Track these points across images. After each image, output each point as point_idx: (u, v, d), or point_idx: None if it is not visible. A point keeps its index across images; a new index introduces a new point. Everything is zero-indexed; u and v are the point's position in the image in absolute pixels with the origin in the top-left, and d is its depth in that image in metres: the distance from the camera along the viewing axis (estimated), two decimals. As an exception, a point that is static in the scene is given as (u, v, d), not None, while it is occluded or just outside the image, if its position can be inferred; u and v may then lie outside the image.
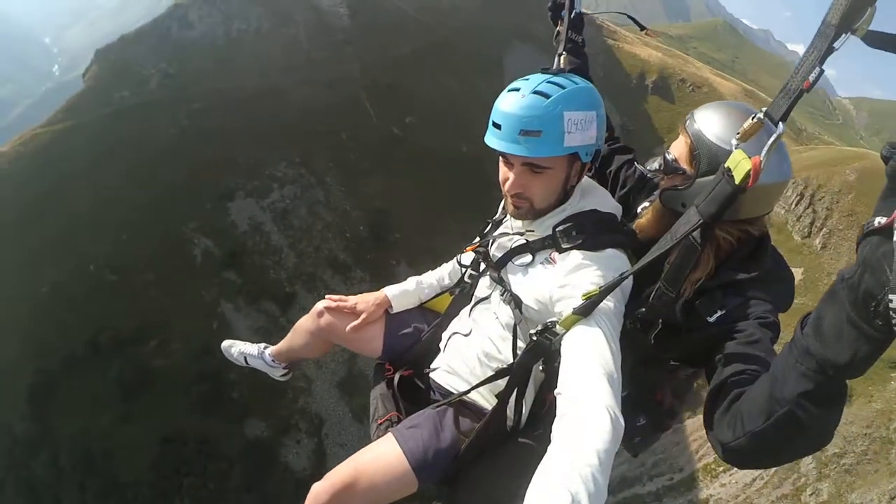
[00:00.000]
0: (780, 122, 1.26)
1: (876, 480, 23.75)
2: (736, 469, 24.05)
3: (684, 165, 1.76)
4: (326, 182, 47.18)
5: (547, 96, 1.66)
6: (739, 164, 1.29)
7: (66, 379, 35.75)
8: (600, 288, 1.49)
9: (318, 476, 1.87)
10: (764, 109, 1.32)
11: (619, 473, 29.64)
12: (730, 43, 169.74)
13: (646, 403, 1.89)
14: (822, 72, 1.17)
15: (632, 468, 29.98)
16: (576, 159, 1.75)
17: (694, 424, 29.27)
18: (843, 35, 1.12)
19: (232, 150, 45.25)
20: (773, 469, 25.43)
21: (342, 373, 38.37)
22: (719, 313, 1.61)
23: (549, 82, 1.69)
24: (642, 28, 2.73)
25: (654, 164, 1.90)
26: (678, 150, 1.80)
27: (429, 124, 51.06)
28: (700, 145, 1.70)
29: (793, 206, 34.09)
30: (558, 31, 2.52)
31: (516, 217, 1.91)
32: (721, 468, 28.20)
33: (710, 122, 1.71)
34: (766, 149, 1.24)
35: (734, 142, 1.36)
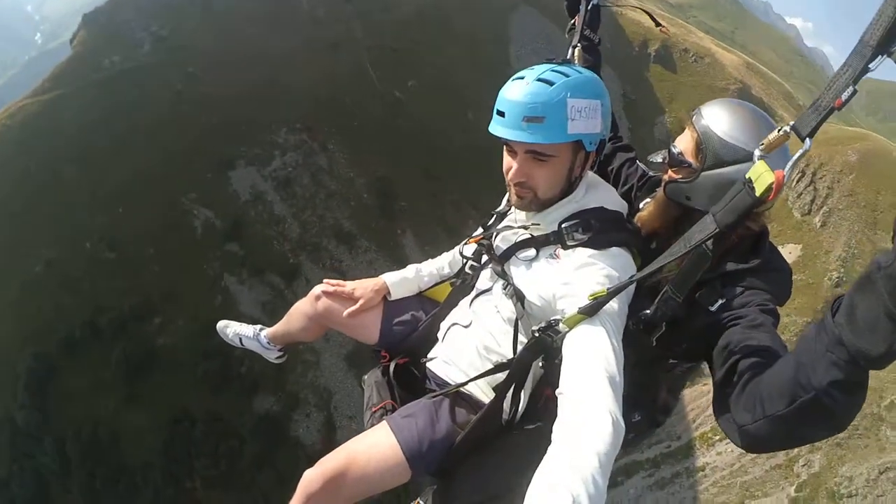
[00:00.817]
0: (808, 139, 1.22)
1: (866, 455, 25.15)
2: None
3: (690, 159, 1.77)
4: (329, 149, 45.00)
5: (551, 83, 1.65)
6: (761, 177, 1.27)
7: (66, 363, 34.10)
8: (608, 289, 1.47)
9: (329, 450, 1.82)
10: (791, 123, 1.26)
11: (616, 440, 30.56)
12: (730, 13, 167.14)
13: (642, 400, 1.84)
14: (854, 91, 1.13)
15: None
16: (580, 148, 1.73)
17: (692, 394, 30.20)
18: (880, 56, 1.09)
19: (230, 115, 42.86)
20: None
21: (350, 346, 36.64)
22: (720, 302, 1.61)
23: (553, 70, 1.68)
24: (658, 24, 2.74)
25: (659, 157, 1.88)
26: (684, 144, 1.81)
27: (432, 89, 49.06)
28: (707, 140, 1.72)
29: (794, 183, 34.71)
30: (573, 24, 2.42)
31: (520, 207, 1.90)
32: (717, 437, 28.93)
33: (718, 119, 1.72)
34: (790, 164, 1.25)
35: (757, 152, 1.33)
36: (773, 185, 1.23)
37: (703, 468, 28.85)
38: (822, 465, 25.84)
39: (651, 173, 2.15)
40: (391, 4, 52.84)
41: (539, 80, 1.66)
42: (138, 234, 37.99)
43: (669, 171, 1.84)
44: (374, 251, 40.43)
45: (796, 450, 25.81)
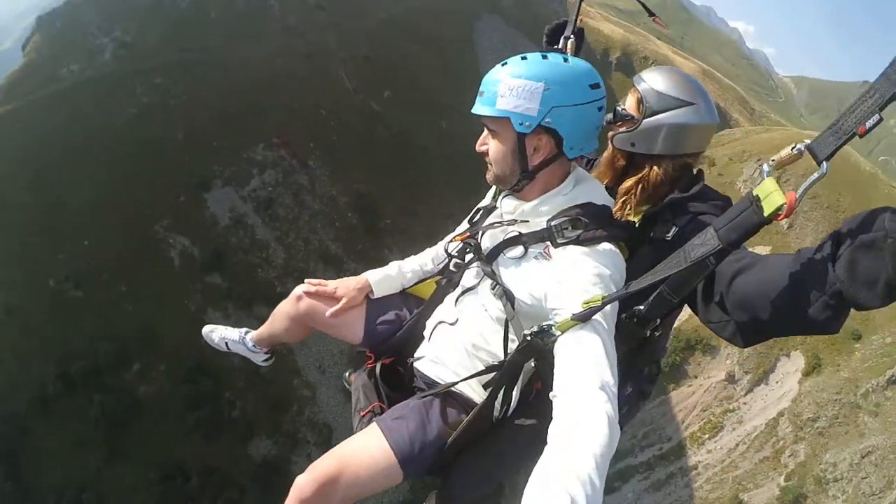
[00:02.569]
0: (825, 162, 1.15)
1: (847, 441, 26.40)
2: (720, 435, 30.11)
3: (633, 112, 1.93)
4: (309, 165, 42.59)
5: (505, 64, 1.70)
6: (770, 196, 1.20)
7: (38, 423, 30.33)
8: (602, 297, 1.44)
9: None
10: (807, 142, 1.20)
11: (611, 446, 31.67)
12: (679, 19, 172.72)
13: (631, 374, 1.89)
14: (880, 119, 1.05)
15: (623, 440, 31.28)
16: (536, 132, 1.70)
17: (679, 396, 31.07)
18: None
19: (202, 130, 39.33)
20: (754, 434, 29.13)
21: (347, 377, 34.92)
22: (674, 229, 1.70)
23: (523, 56, 1.70)
24: (651, 14, 2.72)
25: (607, 116, 1.95)
26: (628, 102, 1.97)
27: (406, 100, 48.24)
28: (647, 95, 1.89)
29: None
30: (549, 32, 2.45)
31: (490, 181, 1.90)
32: (706, 435, 30.19)
33: (654, 79, 1.91)
34: (803, 187, 1.17)
35: (766, 168, 1.30)
36: (786, 207, 1.15)
37: (695, 467, 29.74)
38: (808, 454, 26.97)
39: (592, 159, 2.26)
40: (363, 13, 50.48)
41: (506, 61, 1.70)
42: (107, 268, 34.19)
43: (615, 127, 1.97)
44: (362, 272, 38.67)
45: (782, 441, 28.08)
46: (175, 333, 32.84)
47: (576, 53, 2.29)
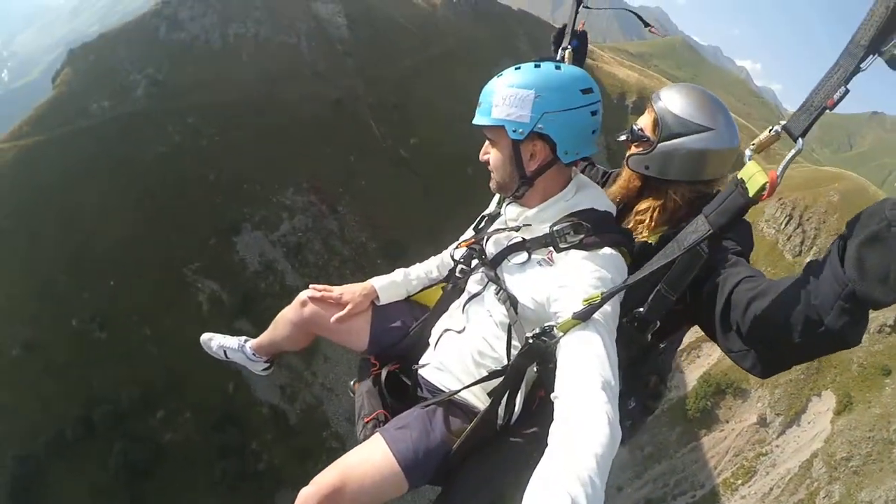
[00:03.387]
0: (800, 138, 1.21)
1: (882, 478, 25.56)
2: (754, 480, 29.27)
3: (649, 134, 1.90)
4: (339, 211, 42.11)
5: (500, 76, 1.72)
6: (754, 177, 1.24)
7: (55, 467, 28.30)
8: (602, 294, 1.45)
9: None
10: (782, 123, 1.25)
11: (644, 495, 30.39)
12: (688, 60, 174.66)
13: (635, 387, 1.87)
14: (847, 91, 1.13)
15: (655, 489, 30.46)
16: (530, 138, 1.72)
17: (710, 441, 30.39)
18: (871, 56, 1.09)
19: (233, 172, 38.73)
20: (788, 477, 28.21)
21: (378, 424, 34.01)
22: None
23: (516, 66, 1.73)
24: (646, 25, 2.74)
25: (622, 136, 1.96)
26: (644, 122, 1.94)
27: (433, 146, 47.98)
28: (663, 117, 1.85)
29: (783, 226, 34.97)
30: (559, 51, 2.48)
31: (493, 190, 1.92)
32: (739, 481, 29.37)
33: (672, 100, 1.86)
34: (784, 164, 1.21)
35: (748, 152, 1.33)
36: (768, 186, 1.21)
37: (730, 513, 29.10)
38: (842, 494, 26.33)
39: (612, 171, 2.27)
40: (390, 60, 50.94)
41: (501, 73, 1.73)
42: (133, 310, 32.82)
43: (631, 147, 1.95)
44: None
45: (816, 483, 27.17)
46: (202, 380, 31.57)
47: (579, 60, 2.41)
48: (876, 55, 1.08)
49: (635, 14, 2.77)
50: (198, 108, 40.50)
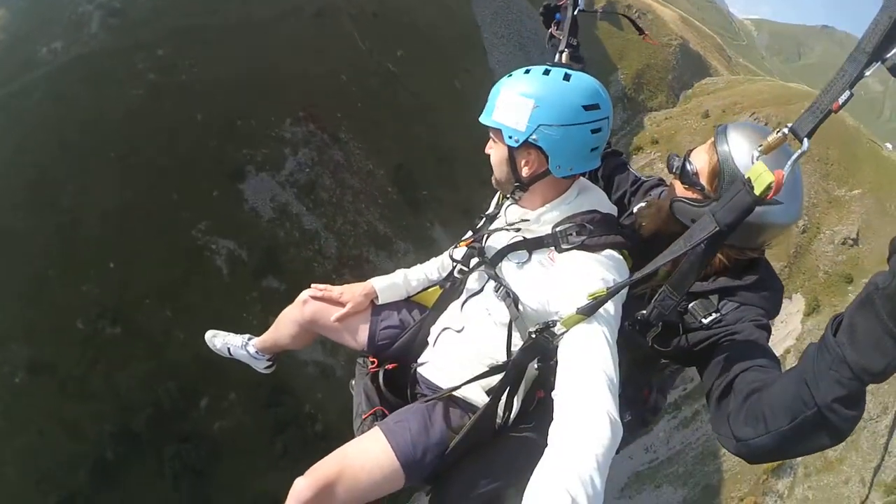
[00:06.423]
0: (806, 139, 1.24)
1: None
2: None
3: (704, 182, 1.70)
4: (341, 139, 36.10)
5: (510, 76, 1.69)
6: (760, 176, 1.25)
7: (106, 499, 23.82)
8: (607, 289, 1.43)
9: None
10: (789, 125, 1.27)
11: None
12: None
13: (633, 400, 1.84)
14: (851, 95, 1.16)
15: None
16: (525, 147, 1.67)
17: None
18: (874, 63, 1.12)
19: (223, 108, 32.13)
20: None
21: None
22: (714, 316, 1.62)
23: (526, 69, 1.69)
24: (641, 32, 2.71)
25: (676, 163, 1.78)
26: (701, 163, 1.72)
27: (419, 58, 43.57)
28: (726, 168, 1.65)
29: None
30: (551, 34, 2.43)
31: (494, 185, 1.88)
32: None
33: (740, 149, 1.63)
34: (789, 163, 1.24)
35: (755, 153, 1.33)
36: (773, 185, 1.22)
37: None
38: None
39: (642, 178, 2.14)
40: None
41: (511, 73, 1.70)
42: (145, 292, 27.42)
43: (679, 185, 1.76)
44: (412, 252, 33.59)
45: None
46: (240, 354, 26.87)
47: (578, 59, 2.28)
48: (879, 62, 1.09)
49: (630, 20, 2.73)
50: (167, 37, 33.23)
